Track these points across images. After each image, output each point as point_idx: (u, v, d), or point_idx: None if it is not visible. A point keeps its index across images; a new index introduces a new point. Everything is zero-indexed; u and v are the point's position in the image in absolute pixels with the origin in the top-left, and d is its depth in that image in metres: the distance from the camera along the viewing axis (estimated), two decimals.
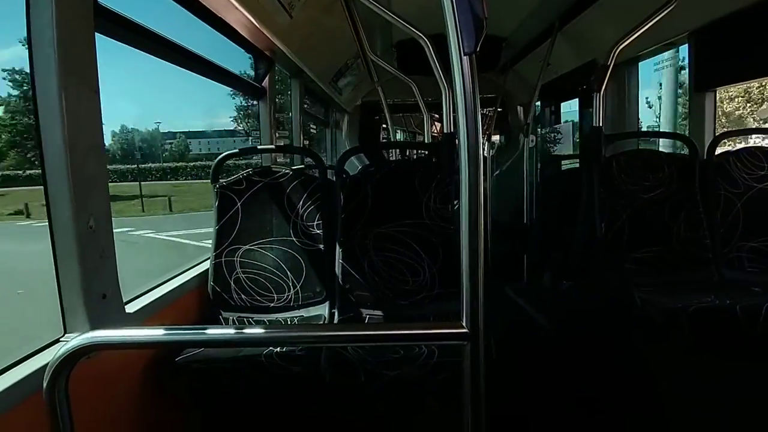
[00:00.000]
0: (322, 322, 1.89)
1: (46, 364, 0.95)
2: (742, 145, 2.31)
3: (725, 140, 2.35)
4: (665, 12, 2.06)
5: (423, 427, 1.62)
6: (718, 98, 2.57)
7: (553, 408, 2.40)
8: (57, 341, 1.27)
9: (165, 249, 10.55)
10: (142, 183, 19.16)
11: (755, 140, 4.94)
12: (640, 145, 3.15)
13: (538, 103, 4.73)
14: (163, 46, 1.72)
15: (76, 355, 0.78)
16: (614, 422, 2.00)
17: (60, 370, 0.77)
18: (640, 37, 2.14)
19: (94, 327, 1.28)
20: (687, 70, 2.61)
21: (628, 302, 1.75)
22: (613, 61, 2.15)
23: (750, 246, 2.14)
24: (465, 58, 0.68)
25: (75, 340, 0.78)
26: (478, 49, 0.67)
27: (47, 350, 1.23)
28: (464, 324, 0.75)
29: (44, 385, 0.77)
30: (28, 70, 1.17)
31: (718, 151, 2.24)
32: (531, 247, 3.35)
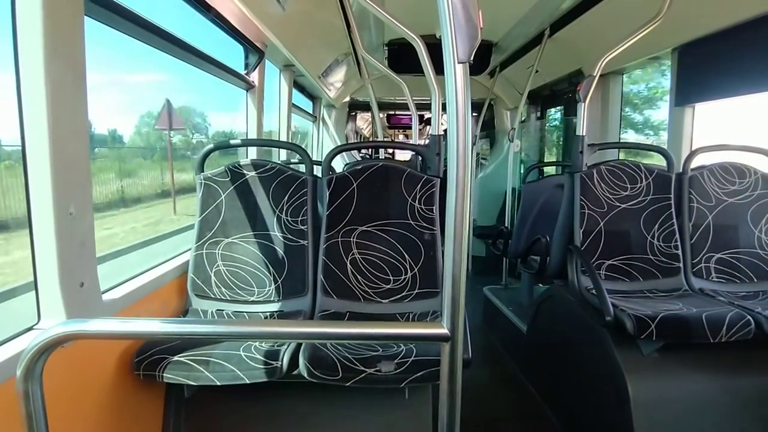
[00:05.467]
0: (302, 318, 1.90)
1: (20, 352, 0.92)
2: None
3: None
4: (652, 26, 2.12)
5: (398, 422, 1.64)
6: None
7: (524, 408, 2.46)
8: (30, 329, 1.25)
9: None
10: None
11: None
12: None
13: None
14: (153, 33, 1.69)
15: (53, 344, 0.76)
16: (583, 424, 2.06)
17: (35, 359, 0.76)
18: (627, 50, 2.20)
19: (70, 315, 1.25)
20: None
21: (601, 308, 1.81)
22: (599, 72, 2.20)
23: (718, 257, 2.23)
24: (459, 66, 0.68)
25: (52, 328, 0.76)
26: (471, 58, 0.68)
27: (20, 338, 1.21)
28: (444, 325, 0.77)
29: (18, 373, 0.76)
30: None
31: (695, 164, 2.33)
32: (510, 251, 3.42)
